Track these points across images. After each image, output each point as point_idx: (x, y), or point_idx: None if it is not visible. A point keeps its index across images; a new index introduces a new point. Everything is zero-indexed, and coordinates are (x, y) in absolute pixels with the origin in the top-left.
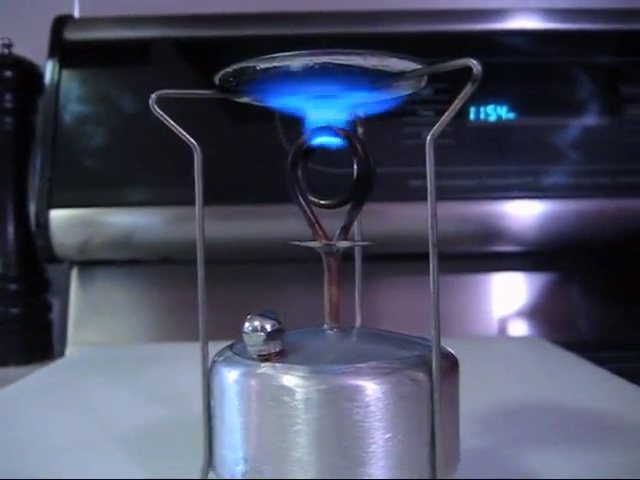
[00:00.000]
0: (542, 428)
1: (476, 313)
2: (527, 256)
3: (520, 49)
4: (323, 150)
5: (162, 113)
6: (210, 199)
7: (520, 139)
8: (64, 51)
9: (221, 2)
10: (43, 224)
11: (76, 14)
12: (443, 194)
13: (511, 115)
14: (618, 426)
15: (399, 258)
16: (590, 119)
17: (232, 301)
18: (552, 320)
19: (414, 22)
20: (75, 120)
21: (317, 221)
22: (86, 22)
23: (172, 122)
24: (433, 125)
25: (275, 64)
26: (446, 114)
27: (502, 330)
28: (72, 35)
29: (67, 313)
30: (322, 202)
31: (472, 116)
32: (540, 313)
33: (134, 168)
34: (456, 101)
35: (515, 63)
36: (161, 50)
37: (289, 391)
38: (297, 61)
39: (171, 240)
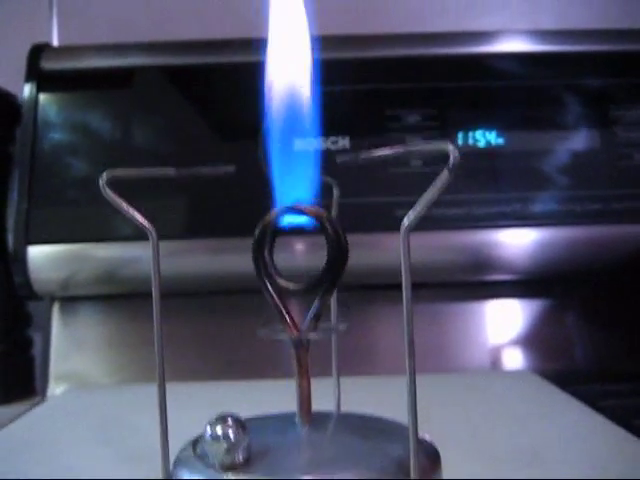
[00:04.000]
0: None
1: (468, 344)
2: (519, 285)
3: (508, 72)
4: (292, 230)
5: (113, 195)
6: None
7: (509, 165)
8: (41, 80)
9: (201, 29)
10: (20, 260)
11: (54, 42)
12: (432, 224)
13: (500, 140)
14: None
15: (387, 288)
16: (580, 143)
17: (225, 333)
18: (546, 350)
19: (401, 46)
20: (53, 151)
21: (286, 309)
22: (63, 50)
23: (125, 205)
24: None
25: None
26: (421, 204)
27: (495, 361)
28: (49, 64)
29: (49, 348)
30: (291, 287)
31: (460, 141)
32: (534, 343)
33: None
34: (431, 190)
35: (503, 86)
36: (141, 78)
37: None
38: None
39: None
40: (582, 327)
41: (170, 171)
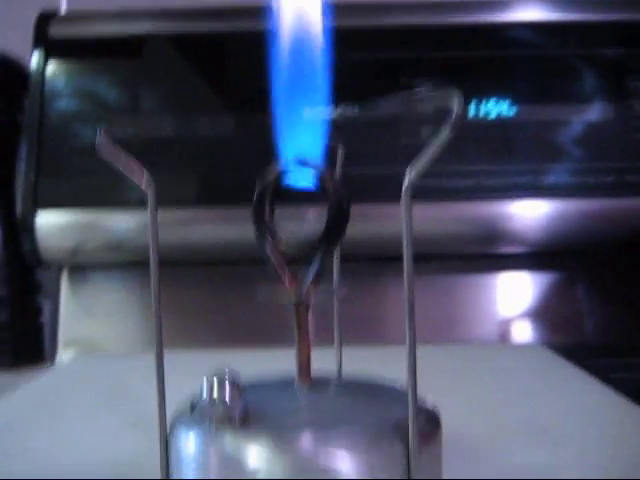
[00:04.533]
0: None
1: (478, 316)
2: (530, 257)
3: (522, 41)
4: (293, 189)
5: (111, 147)
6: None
7: (522, 136)
8: (49, 48)
9: None
10: (29, 228)
11: (63, 9)
12: (441, 195)
13: (512, 111)
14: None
15: (396, 260)
16: (595, 114)
17: (233, 303)
18: (556, 323)
19: (414, 14)
20: (62, 118)
21: (286, 269)
22: (72, 18)
23: (124, 157)
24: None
25: None
26: (422, 161)
27: (505, 334)
28: (57, 31)
29: (58, 316)
30: (291, 247)
31: (472, 111)
32: (544, 316)
33: None
34: (434, 146)
35: (517, 56)
36: (150, 45)
37: (250, 468)
38: None
39: (166, 243)
40: (593, 300)
41: (167, 125)
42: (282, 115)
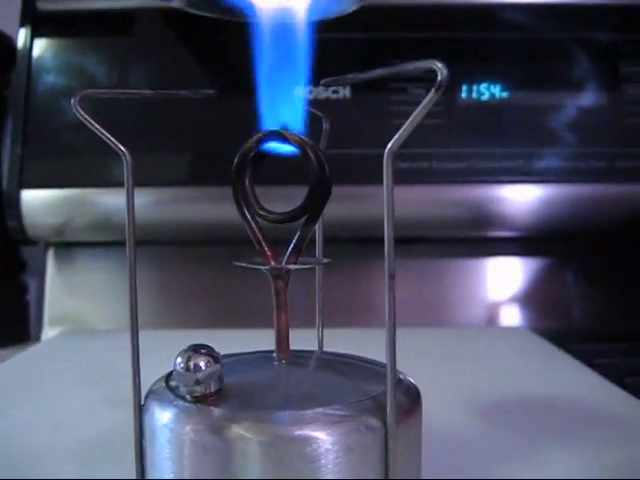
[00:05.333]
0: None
1: (466, 300)
2: (519, 242)
3: (515, 24)
4: (276, 156)
5: (86, 115)
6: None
7: (514, 119)
8: (37, 22)
9: None
10: (14, 205)
11: None
12: (431, 177)
13: (505, 94)
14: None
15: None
16: (587, 99)
17: (222, 285)
18: (543, 308)
19: None
20: (49, 94)
21: (265, 238)
22: None
23: (97, 126)
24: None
25: None
26: (406, 124)
27: (492, 317)
28: (45, 5)
29: (43, 294)
30: (271, 216)
31: (464, 94)
32: (531, 301)
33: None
34: (418, 110)
35: (510, 39)
36: (141, 21)
37: (224, 441)
38: None
39: (153, 222)
40: (580, 286)
41: (147, 91)
42: (266, 90)
